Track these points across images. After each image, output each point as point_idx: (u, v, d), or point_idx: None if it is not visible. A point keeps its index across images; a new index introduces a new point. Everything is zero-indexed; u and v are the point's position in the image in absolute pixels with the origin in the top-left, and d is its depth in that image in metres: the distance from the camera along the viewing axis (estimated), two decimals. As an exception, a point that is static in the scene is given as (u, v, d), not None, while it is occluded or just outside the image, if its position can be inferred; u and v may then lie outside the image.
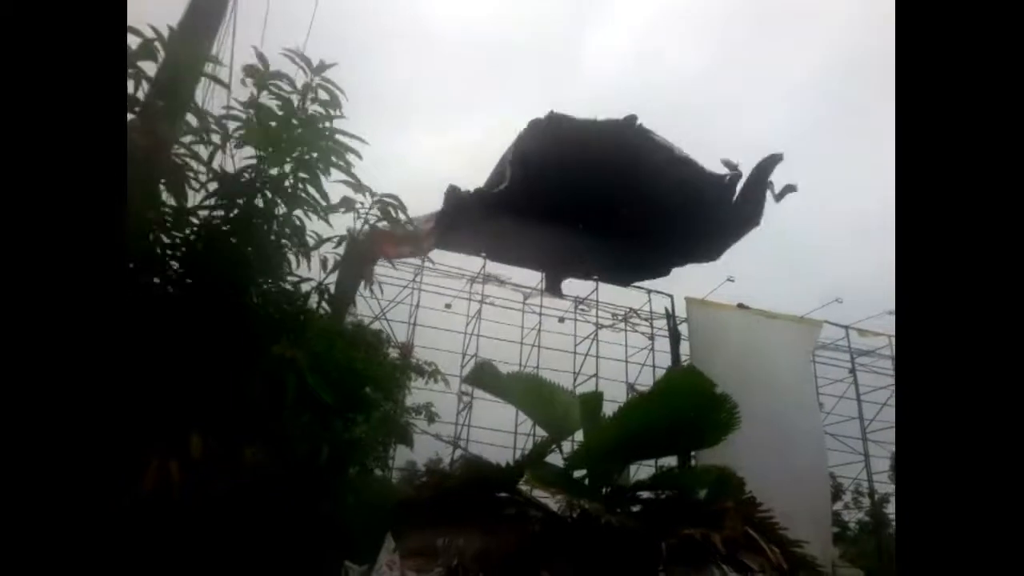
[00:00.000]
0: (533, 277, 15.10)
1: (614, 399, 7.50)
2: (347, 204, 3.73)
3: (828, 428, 14.94)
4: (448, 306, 15.16)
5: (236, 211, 3.42)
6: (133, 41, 3.01)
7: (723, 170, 10.13)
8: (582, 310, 16.16)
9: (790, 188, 10.82)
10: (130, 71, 3.02)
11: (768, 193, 10.73)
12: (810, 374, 14.20)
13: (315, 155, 3.46)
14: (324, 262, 3.84)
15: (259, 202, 3.46)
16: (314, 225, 3.75)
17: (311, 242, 3.79)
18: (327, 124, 3.49)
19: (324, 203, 3.62)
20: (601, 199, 9.63)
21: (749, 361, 11.91)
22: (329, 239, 3.86)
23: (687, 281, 14.82)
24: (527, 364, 14.78)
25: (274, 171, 3.46)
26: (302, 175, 3.49)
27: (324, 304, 3.91)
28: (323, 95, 3.45)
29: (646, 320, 16.37)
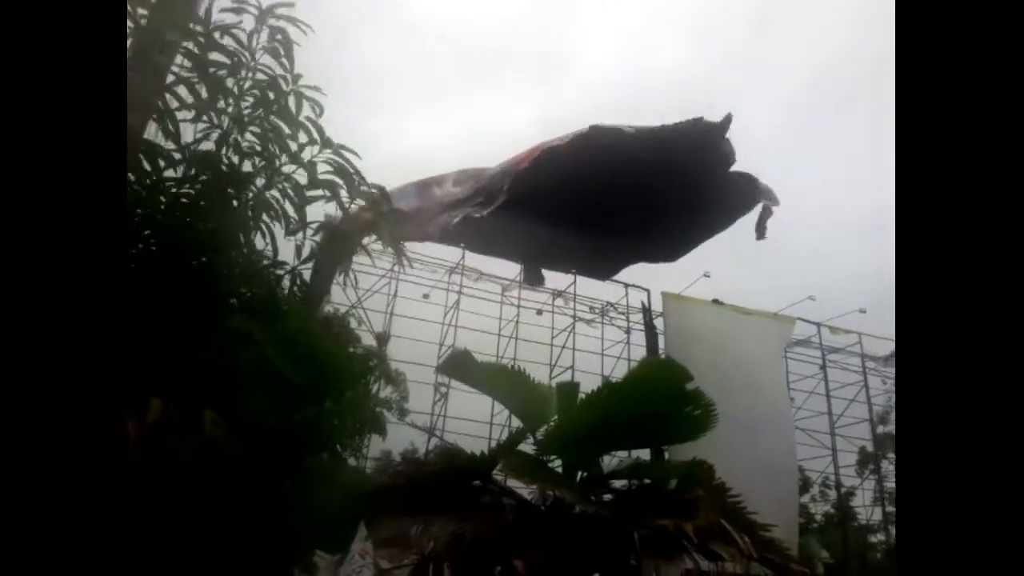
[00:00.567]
0: (512, 269, 15.13)
1: (591, 392, 7.54)
2: (329, 187, 3.66)
3: (798, 423, 15.26)
4: (426, 296, 15.10)
5: (202, 182, 3.34)
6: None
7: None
8: (559, 305, 16.23)
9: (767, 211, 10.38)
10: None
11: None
12: (782, 370, 14.47)
13: (273, 108, 3.35)
14: (299, 248, 3.79)
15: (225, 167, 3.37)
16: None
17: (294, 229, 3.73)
18: (285, 76, 3.37)
19: (303, 179, 3.53)
20: (587, 192, 9.62)
21: (723, 356, 12.08)
22: (310, 224, 3.80)
23: (664, 276, 14.98)
24: (504, 356, 14.81)
25: (242, 137, 3.36)
26: (266, 130, 3.37)
27: (297, 287, 3.85)
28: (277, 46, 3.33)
29: (623, 314, 16.50)
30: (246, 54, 3.30)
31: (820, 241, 37.07)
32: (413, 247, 14.25)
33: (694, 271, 14.63)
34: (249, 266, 3.63)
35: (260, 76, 3.38)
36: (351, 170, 3.70)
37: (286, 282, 3.86)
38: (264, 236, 3.64)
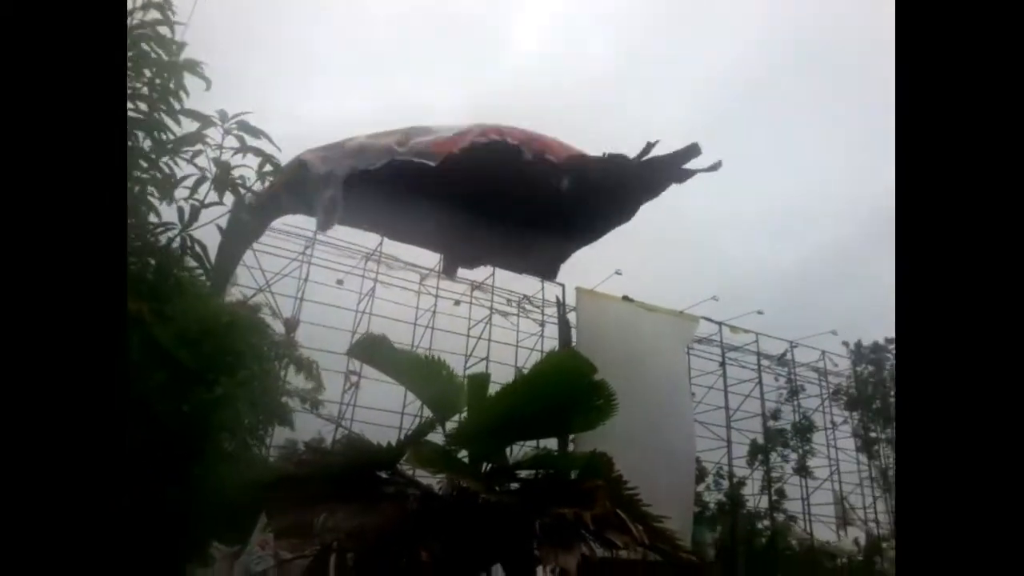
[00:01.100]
0: (431, 258, 15.00)
1: (505, 383, 7.63)
2: (197, 138, 3.38)
3: (697, 416, 16.12)
4: (340, 282, 14.72)
5: None
6: None
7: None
8: (477, 296, 16.29)
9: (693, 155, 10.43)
10: None
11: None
12: (684, 365, 15.23)
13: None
14: (180, 211, 3.46)
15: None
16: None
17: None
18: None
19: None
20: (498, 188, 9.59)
21: (630, 350, 12.55)
22: (184, 178, 3.48)
23: (579, 272, 15.33)
24: (420, 345, 14.70)
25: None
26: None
27: (190, 254, 3.55)
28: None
29: (538, 307, 16.79)
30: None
31: (725, 243, 39.12)
32: (327, 231, 13.86)
33: (607, 268, 15.10)
34: (135, 237, 3.33)
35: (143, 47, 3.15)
36: (257, 137, 3.48)
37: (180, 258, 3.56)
38: (150, 208, 3.34)
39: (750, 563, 15.60)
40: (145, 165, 3.28)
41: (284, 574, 7.44)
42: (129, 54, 3.04)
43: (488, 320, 15.75)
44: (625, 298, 14.26)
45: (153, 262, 3.48)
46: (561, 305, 14.57)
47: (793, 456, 19.63)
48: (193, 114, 3.36)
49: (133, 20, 3.13)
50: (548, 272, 13.09)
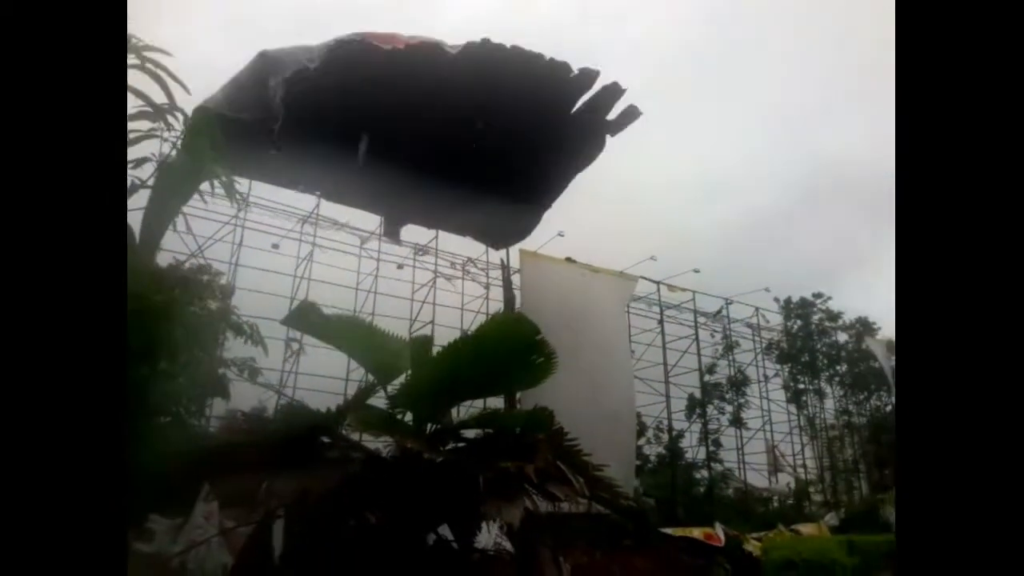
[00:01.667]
0: (372, 220, 14.69)
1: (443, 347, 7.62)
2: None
3: (637, 372, 16.65)
4: (276, 246, 14.24)
5: None
6: None
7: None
8: (420, 260, 16.10)
9: (632, 114, 10.62)
10: None
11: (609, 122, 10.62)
12: (624, 324, 15.64)
13: None
14: None
15: None
16: None
17: None
18: None
19: None
20: (440, 134, 9.38)
21: (574, 310, 12.78)
22: None
23: (523, 234, 15.32)
24: (362, 310, 14.48)
25: None
26: None
27: None
28: None
29: (483, 270, 16.76)
30: None
31: (663, 205, 39.95)
32: (260, 191, 13.32)
33: (550, 231, 15.18)
34: None
35: None
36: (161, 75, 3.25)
37: None
38: None
39: (689, 511, 16.42)
40: None
41: (229, 543, 7.35)
42: None
43: (432, 284, 15.63)
44: (568, 260, 14.43)
45: None
46: (506, 268, 14.61)
47: (728, 409, 20.61)
48: None
49: None
50: (501, 243, 13.08)
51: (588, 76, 9.59)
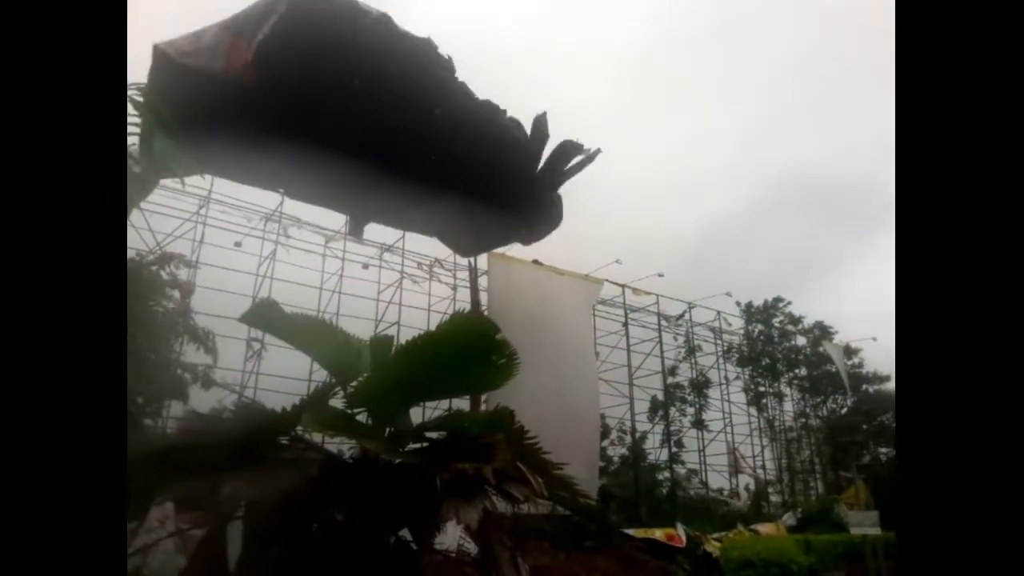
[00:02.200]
0: (337, 219, 14.50)
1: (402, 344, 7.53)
2: None
3: (601, 374, 16.80)
4: (238, 244, 13.97)
5: None
6: None
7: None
8: (387, 260, 15.96)
9: (587, 158, 10.76)
10: None
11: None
12: (590, 326, 15.78)
13: None
14: None
15: None
16: None
17: None
18: None
19: None
20: (405, 134, 9.24)
21: (540, 312, 12.84)
22: None
23: (490, 235, 15.31)
24: (327, 310, 14.30)
25: None
26: None
27: None
28: None
29: (450, 271, 16.71)
30: None
31: (628, 210, 40.44)
32: (222, 188, 13.04)
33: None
34: None
35: None
36: None
37: None
38: None
39: (652, 511, 16.62)
40: None
41: (185, 546, 7.18)
42: None
43: (399, 284, 15.53)
44: (535, 262, 14.49)
45: None
46: (473, 269, 14.59)
47: (690, 411, 20.95)
48: None
49: None
50: (468, 251, 12.91)
51: (541, 136, 9.58)
